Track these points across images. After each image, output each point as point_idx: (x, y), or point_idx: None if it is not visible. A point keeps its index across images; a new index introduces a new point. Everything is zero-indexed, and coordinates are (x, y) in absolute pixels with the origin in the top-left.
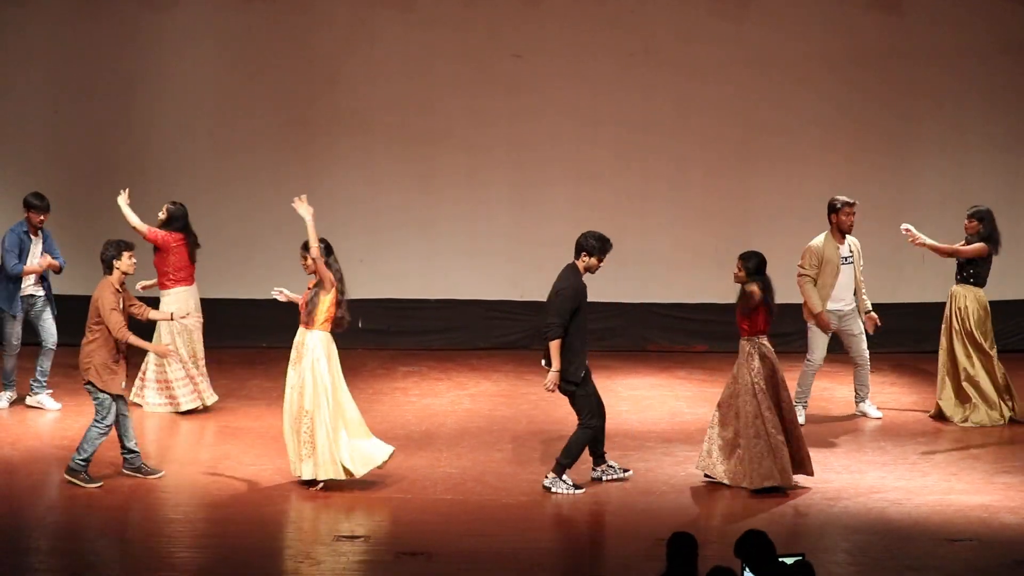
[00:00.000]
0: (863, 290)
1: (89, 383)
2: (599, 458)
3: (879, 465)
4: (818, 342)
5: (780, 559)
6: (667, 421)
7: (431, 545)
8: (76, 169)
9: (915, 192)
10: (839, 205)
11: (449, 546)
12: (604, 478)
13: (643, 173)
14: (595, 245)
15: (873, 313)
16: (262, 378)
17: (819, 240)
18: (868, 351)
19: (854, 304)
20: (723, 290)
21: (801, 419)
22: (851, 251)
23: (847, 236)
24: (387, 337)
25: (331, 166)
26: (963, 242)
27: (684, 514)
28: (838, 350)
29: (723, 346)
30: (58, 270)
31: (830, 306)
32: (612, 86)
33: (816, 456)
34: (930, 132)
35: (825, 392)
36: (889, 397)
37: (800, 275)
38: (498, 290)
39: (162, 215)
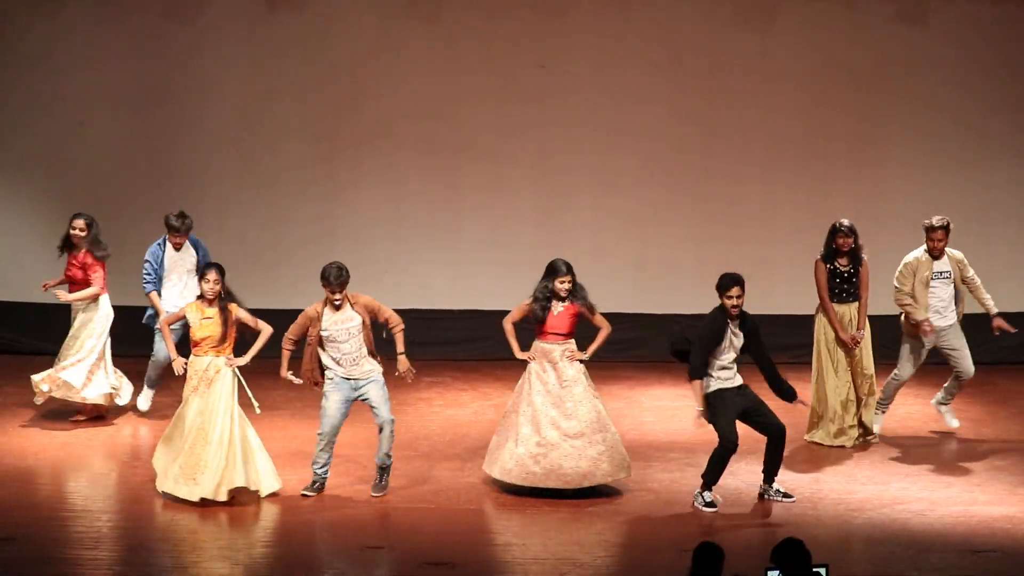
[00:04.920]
0: (983, 295)
1: None
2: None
3: (902, 476)
4: (908, 360)
5: (816, 569)
6: (691, 432)
7: (454, 555)
8: (102, 180)
9: (939, 203)
10: (925, 229)
11: (472, 556)
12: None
13: (667, 183)
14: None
15: (999, 319)
16: (286, 388)
17: (915, 254)
18: (974, 367)
19: (955, 320)
20: (748, 301)
21: (877, 428)
22: (949, 266)
23: (947, 252)
24: (411, 347)
25: (356, 176)
26: (858, 272)
27: (708, 524)
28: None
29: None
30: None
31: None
32: (636, 96)
33: (841, 467)
34: (954, 143)
35: None
36: (913, 408)
37: (896, 291)
38: (523, 300)
39: (82, 231)
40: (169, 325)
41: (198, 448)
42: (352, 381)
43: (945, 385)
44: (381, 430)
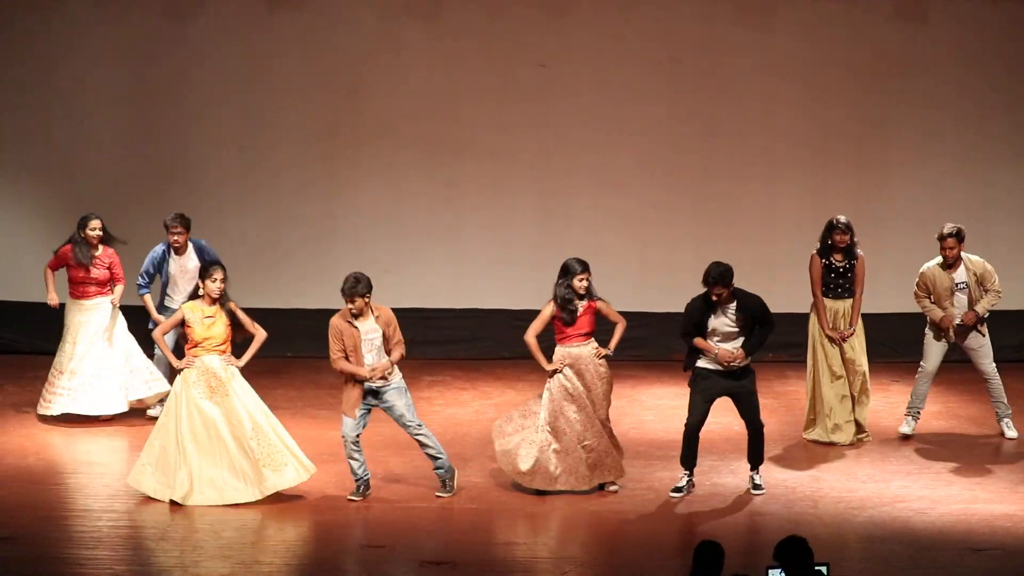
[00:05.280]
0: (986, 302)
1: None
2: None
3: (903, 474)
4: (931, 351)
5: (817, 567)
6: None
7: (455, 554)
8: (102, 180)
9: (940, 203)
10: (937, 238)
11: (473, 555)
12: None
13: (668, 182)
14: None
15: (977, 311)
16: (287, 387)
17: (929, 265)
18: (994, 365)
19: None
20: None
21: (909, 429)
22: (965, 276)
23: (963, 260)
24: (412, 346)
25: (356, 175)
26: (853, 268)
27: (708, 523)
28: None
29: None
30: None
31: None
32: (637, 95)
33: (841, 465)
34: (955, 141)
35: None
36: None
37: (916, 298)
38: (523, 299)
39: (99, 231)
40: (164, 334)
41: (265, 440)
42: (373, 388)
43: (992, 402)
44: (419, 441)
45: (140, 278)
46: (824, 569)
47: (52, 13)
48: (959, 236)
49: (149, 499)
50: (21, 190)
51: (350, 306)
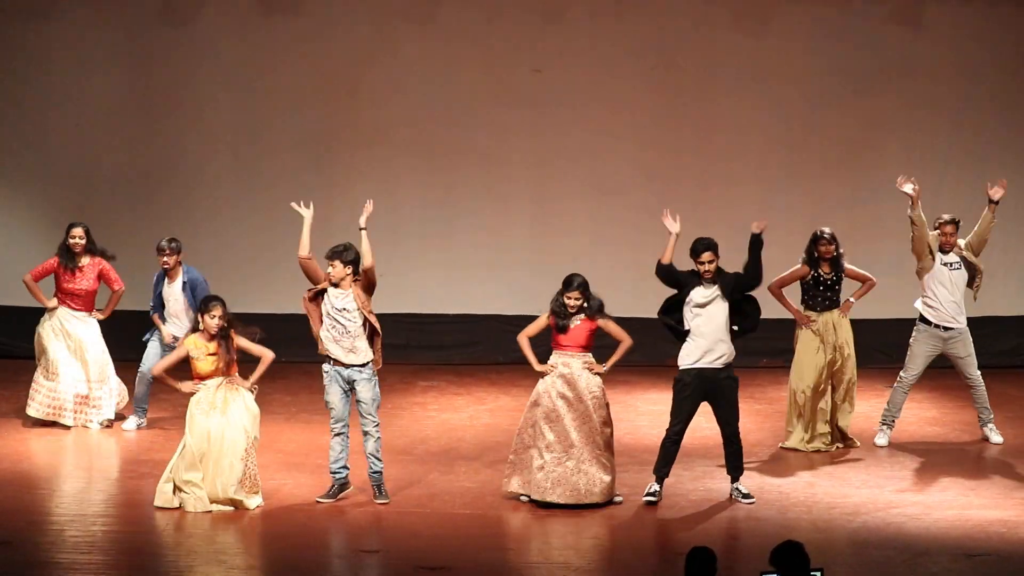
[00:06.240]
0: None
1: None
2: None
3: (897, 480)
4: (916, 359)
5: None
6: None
7: (450, 559)
8: (97, 185)
9: (936, 205)
10: (935, 224)
11: (468, 560)
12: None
13: (663, 188)
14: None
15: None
16: (282, 392)
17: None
18: (979, 372)
19: (963, 325)
20: None
21: (884, 441)
22: (957, 257)
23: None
24: (406, 351)
25: (351, 179)
26: (840, 280)
27: (702, 529)
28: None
29: (741, 361)
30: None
31: (936, 321)
32: (632, 100)
33: (835, 471)
34: (950, 145)
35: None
36: (907, 412)
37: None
38: (518, 304)
39: (83, 239)
40: (165, 370)
41: (253, 462)
42: (346, 371)
43: (976, 407)
44: (366, 435)
45: (152, 300)
46: (819, 575)
47: (47, 20)
48: (958, 224)
49: (142, 504)
50: (15, 194)
51: (329, 269)
